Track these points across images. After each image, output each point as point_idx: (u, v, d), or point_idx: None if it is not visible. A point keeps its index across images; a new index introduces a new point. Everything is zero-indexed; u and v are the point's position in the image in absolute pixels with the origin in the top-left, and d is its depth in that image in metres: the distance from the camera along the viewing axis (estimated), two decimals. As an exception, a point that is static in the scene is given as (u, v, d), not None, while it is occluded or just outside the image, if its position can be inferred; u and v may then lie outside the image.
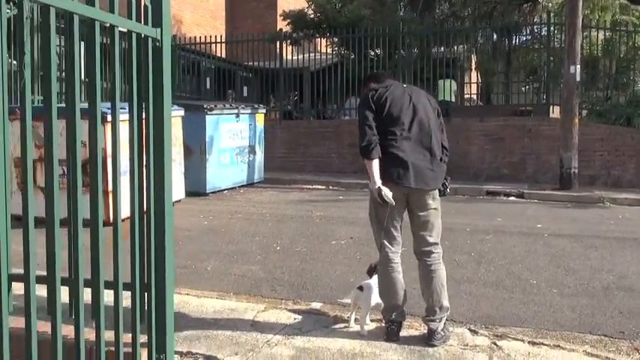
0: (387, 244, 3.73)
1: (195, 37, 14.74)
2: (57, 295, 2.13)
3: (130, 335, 2.53)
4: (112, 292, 2.38)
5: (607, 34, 14.25)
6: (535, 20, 16.48)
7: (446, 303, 3.69)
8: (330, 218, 8.03)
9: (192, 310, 4.17)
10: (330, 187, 11.32)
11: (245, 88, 16.70)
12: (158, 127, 2.57)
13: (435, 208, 3.75)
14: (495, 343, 3.67)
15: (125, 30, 2.38)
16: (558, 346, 3.66)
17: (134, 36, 2.47)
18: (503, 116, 12.84)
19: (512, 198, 10.31)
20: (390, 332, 3.67)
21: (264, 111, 11.78)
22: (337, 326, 3.90)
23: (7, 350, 1.93)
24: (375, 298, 3.83)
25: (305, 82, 14.39)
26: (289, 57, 14.75)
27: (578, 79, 10.70)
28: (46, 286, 2.12)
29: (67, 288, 2.43)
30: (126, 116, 2.49)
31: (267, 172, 11.81)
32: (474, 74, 16.67)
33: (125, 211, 2.45)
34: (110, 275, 2.36)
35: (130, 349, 2.53)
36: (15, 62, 6.58)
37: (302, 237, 6.87)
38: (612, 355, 3.56)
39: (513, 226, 7.62)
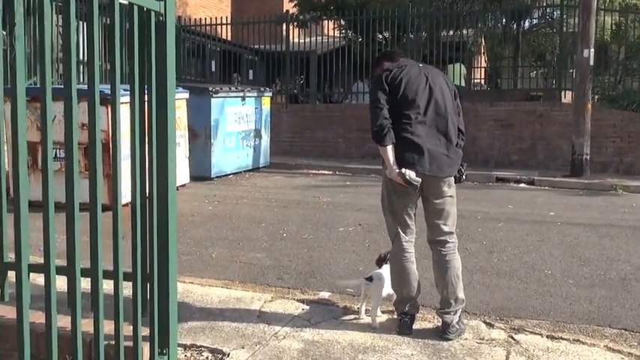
0: (402, 232, 3.57)
1: (200, 19, 14.50)
2: (51, 286, 2.02)
3: (131, 327, 2.40)
4: (111, 282, 2.24)
5: (618, 17, 13.95)
6: (547, 3, 16.11)
7: (461, 295, 3.54)
8: (338, 204, 7.86)
9: (196, 299, 4.04)
10: (337, 173, 11.17)
11: (251, 72, 16.50)
12: (161, 108, 2.42)
13: (450, 196, 3.58)
14: (512, 337, 3.52)
15: (126, 2, 2.21)
16: (578, 340, 3.51)
17: (136, 9, 2.31)
18: (514, 101, 12.61)
19: (522, 185, 10.12)
20: (403, 325, 3.53)
21: (270, 94, 11.60)
22: (347, 317, 3.76)
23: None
24: (387, 289, 3.69)
25: (311, 66, 14.15)
26: (296, 40, 14.52)
27: (591, 63, 10.45)
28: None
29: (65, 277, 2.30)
30: (127, 98, 2.35)
31: (273, 156, 11.66)
32: (481, 59, 16.38)
33: (127, 196, 2.33)
34: (110, 264, 2.22)
35: (130, 343, 2.40)
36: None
37: (309, 223, 6.73)
38: (635, 351, 3.40)
39: (525, 214, 7.45)
